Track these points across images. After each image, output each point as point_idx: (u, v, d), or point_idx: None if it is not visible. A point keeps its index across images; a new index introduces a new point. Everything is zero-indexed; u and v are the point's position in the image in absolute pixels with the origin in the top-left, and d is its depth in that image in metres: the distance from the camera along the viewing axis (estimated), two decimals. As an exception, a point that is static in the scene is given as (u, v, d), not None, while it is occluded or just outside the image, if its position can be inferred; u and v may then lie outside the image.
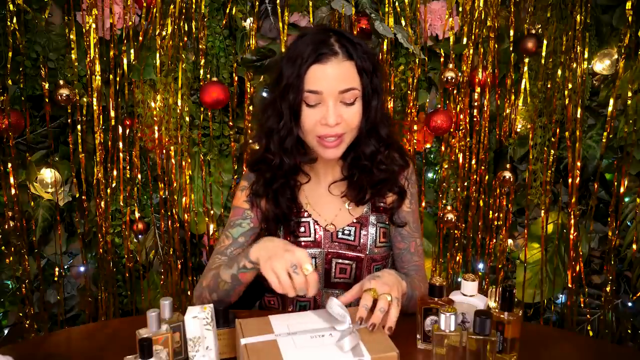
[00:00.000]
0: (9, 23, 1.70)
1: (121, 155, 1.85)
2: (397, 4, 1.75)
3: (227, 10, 1.76)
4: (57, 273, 1.95)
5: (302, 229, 1.21)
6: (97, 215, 1.88)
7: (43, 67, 1.76)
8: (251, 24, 1.77)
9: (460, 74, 1.80)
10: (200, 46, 1.77)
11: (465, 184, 1.91)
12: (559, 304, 2.03)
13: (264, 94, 1.84)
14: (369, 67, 1.10)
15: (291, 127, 1.11)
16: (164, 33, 1.75)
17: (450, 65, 1.78)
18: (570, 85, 1.80)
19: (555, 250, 1.95)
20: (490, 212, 1.93)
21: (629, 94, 1.77)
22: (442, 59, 1.81)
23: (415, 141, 1.86)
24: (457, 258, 1.96)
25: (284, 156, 1.15)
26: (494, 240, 1.95)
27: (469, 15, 1.78)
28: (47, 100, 1.79)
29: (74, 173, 1.88)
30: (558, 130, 1.85)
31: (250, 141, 1.85)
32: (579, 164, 1.84)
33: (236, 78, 1.82)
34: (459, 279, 1.93)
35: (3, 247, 1.86)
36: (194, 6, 1.74)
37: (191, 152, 1.86)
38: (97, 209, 1.88)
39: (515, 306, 0.96)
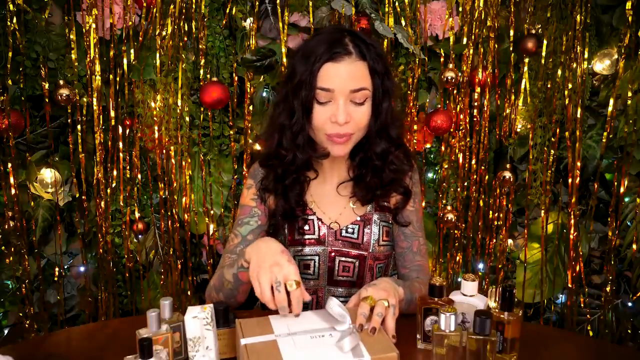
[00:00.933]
0: (9, 23, 1.70)
1: (121, 155, 1.85)
2: (397, 4, 1.75)
3: (227, 10, 1.76)
4: (57, 273, 1.95)
5: (306, 227, 1.22)
6: (97, 215, 1.88)
7: (43, 67, 1.76)
8: (251, 24, 1.77)
9: (460, 74, 1.80)
10: (200, 46, 1.77)
11: (465, 184, 1.91)
12: (559, 304, 2.03)
13: (265, 94, 1.84)
14: (381, 68, 1.11)
15: (303, 123, 1.13)
16: (164, 33, 1.75)
17: (450, 65, 1.78)
18: (570, 85, 1.80)
19: (555, 250, 1.95)
20: (490, 212, 1.93)
21: (629, 94, 1.77)
22: (442, 59, 1.81)
23: (415, 141, 1.86)
24: (457, 258, 1.96)
25: (297, 151, 1.16)
26: (494, 240, 1.95)
27: (469, 15, 1.78)
28: (47, 100, 1.79)
29: (74, 173, 1.88)
30: (558, 130, 1.85)
31: (251, 141, 1.86)
32: (579, 164, 1.84)
33: (236, 78, 1.82)
34: (459, 279, 1.93)
35: (3, 247, 1.86)
36: (194, 6, 1.74)
37: (191, 152, 1.86)
38: (97, 209, 1.87)
39: (515, 306, 0.96)
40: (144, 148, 1.87)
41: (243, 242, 1.22)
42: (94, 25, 1.74)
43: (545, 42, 1.79)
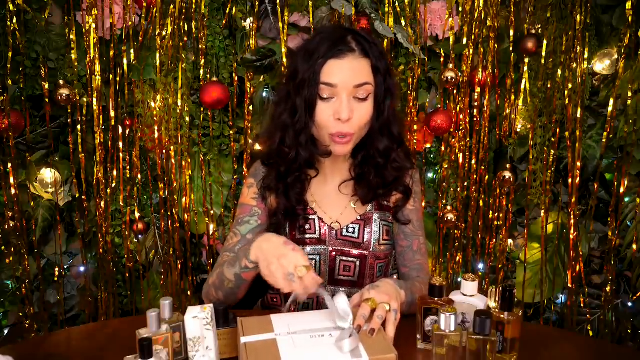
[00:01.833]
0: (9, 23, 1.70)
1: (121, 155, 1.85)
2: (397, 4, 1.75)
3: (227, 10, 1.76)
4: (57, 273, 1.95)
5: (307, 226, 1.23)
6: (97, 215, 1.88)
7: (43, 67, 1.76)
8: (251, 24, 1.77)
9: (460, 74, 1.80)
10: (200, 46, 1.77)
11: (465, 184, 1.91)
12: (559, 304, 2.03)
13: (265, 94, 1.84)
14: (383, 67, 1.13)
15: (306, 121, 1.13)
16: (164, 33, 1.75)
17: (450, 65, 1.78)
18: (570, 85, 1.80)
19: (555, 250, 1.95)
20: (490, 212, 1.93)
21: (629, 94, 1.77)
22: (442, 59, 1.81)
23: (415, 141, 1.86)
24: (457, 258, 1.96)
25: (300, 149, 1.17)
26: (494, 240, 1.95)
27: (469, 15, 1.78)
28: (47, 100, 1.79)
29: (74, 173, 1.88)
30: (558, 130, 1.85)
31: (251, 141, 1.86)
32: (579, 164, 1.84)
33: (236, 78, 1.82)
34: (459, 279, 1.93)
35: (3, 247, 1.86)
36: (194, 6, 1.74)
37: (191, 152, 1.86)
38: (97, 209, 1.87)
39: (515, 306, 0.96)
40: (144, 148, 1.87)
41: (242, 241, 1.22)
42: (94, 25, 1.74)
43: (545, 42, 1.79)
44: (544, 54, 1.79)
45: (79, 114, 1.82)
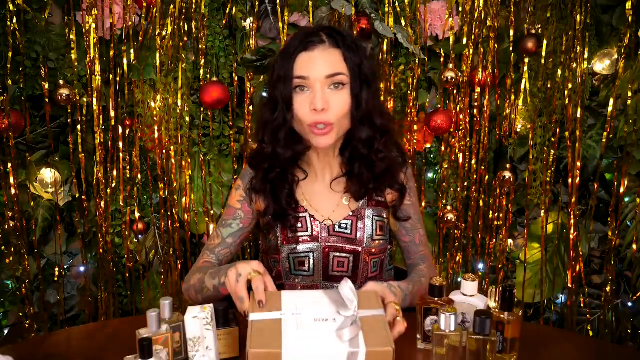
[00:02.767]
0: (9, 23, 1.70)
1: (121, 155, 1.85)
2: (397, 4, 1.75)
3: (227, 10, 1.76)
4: (57, 273, 1.95)
5: (299, 225, 1.23)
6: (97, 215, 1.88)
7: (43, 67, 1.76)
8: (251, 24, 1.77)
9: (460, 74, 1.80)
10: (200, 46, 1.77)
11: (465, 184, 1.91)
12: (559, 304, 2.03)
13: (264, 94, 1.84)
14: (356, 56, 1.13)
15: (284, 116, 1.14)
16: (164, 33, 1.75)
17: (450, 65, 1.78)
18: (570, 85, 1.80)
19: (555, 250, 1.95)
20: (490, 212, 1.93)
21: (629, 94, 1.77)
22: (442, 59, 1.81)
23: (415, 141, 1.86)
24: (457, 258, 1.96)
25: (277, 146, 1.18)
26: (494, 240, 1.95)
27: (469, 15, 1.78)
28: (47, 100, 1.79)
29: (74, 173, 1.88)
30: (558, 130, 1.85)
31: (250, 140, 1.85)
32: (579, 164, 1.85)
33: (236, 78, 1.82)
34: (459, 279, 1.93)
35: (3, 247, 1.86)
36: (194, 6, 1.74)
37: (191, 152, 1.86)
38: (97, 209, 1.88)
39: (515, 306, 0.96)
40: (144, 148, 1.87)
41: (222, 244, 1.26)
42: (94, 25, 1.74)
43: (545, 42, 1.79)
44: (544, 54, 1.79)
45: (79, 114, 1.82)
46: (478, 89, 1.84)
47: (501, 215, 1.93)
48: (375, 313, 0.91)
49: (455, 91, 1.83)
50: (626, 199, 1.87)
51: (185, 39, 1.78)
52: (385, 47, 1.77)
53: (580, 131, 1.83)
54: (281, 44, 1.74)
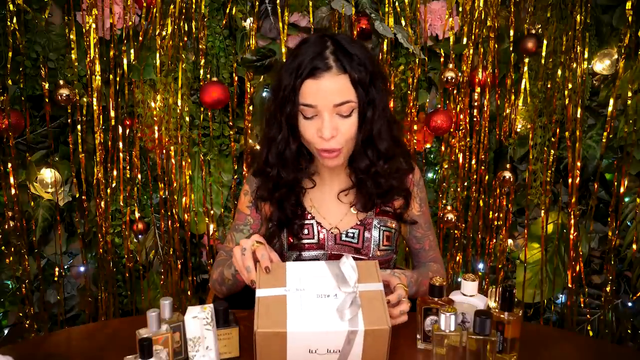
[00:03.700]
0: (9, 23, 1.70)
1: (121, 155, 1.85)
2: (397, 4, 1.75)
3: (227, 10, 1.76)
4: (57, 273, 1.95)
5: (305, 231, 1.22)
6: (97, 215, 1.88)
7: (43, 67, 1.76)
8: (251, 24, 1.77)
9: (460, 74, 1.80)
10: (200, 46, 1.77)
11: (465, 184, 1.91)
12: (559, 304, 2.03)
13: (265, 94, 1.84)
14: (364, 78, 1.08)
15: (289, 140, 1.13)
16: (164, 33, 1.75)
17: (450, 65, 1.78)
18: (570, 85, 1.80)
19: (555, 250, 1.95)
20: (490, 212, 1.93)
21: (629, 94, 1.77)
22: (442, 59, 1.81)
23: (415, 141, 1.86)
24: (457, 258, 1.96)
25: (282, 170, 1.17)
26: (494, 240, 1.95)
27: (469, 15, 1.78)
28: (47, 100, 1.79)
29: (74, 173, 1.88)
30: (558, 130, 1.85)
31: (251, 141, 1.86)
32: (579, 164, 1.85)
33: (236, 78, 1.82)
34: (459, 279, 1.93)
35: (3, 247, 1.86)
36: (194, 6, 1.74)
37: (191, 152, 1.86)
38: (97, 209, 1.88)
39: (515, 306, 0.96)
40: (144, 148, 1.87)
41: None
42: (94, 25, 1.74)
43: (545, 42, 1.79)
44: (544, 54, 1.79)
45: (79, 114, 1.82)
46: (478, 89, 1.84)
47: (501, 215, 1.93)
48: (374, 287, 0.95)
49: (455, 91, 1.83)
50: (626, 199, 1.87)
51: (185, 39, 1.78)
52: (385, 47, 1.77)
53: (580, 131, 1.83)
54: (281, 44, 1.74)
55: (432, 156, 1.96)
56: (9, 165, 1.79)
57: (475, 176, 1.90)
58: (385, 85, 1.15)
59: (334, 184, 1.24)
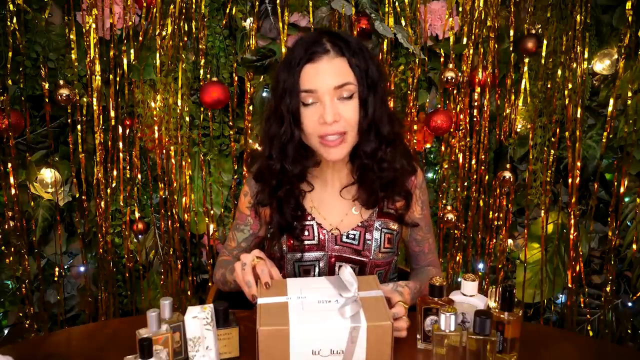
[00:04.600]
0: (9, 23, 1.70)
1: (121, 155, 1.85)
2: (397, 4, 1.75)
3: (227, 10, 1.76)
4: (57, 273, 1.95)
5: (305, 233, 1.21)
6: (97, 215, 1.88)
7: (43, 67, 1.76)
8: (251, 24, 1.77)
9: (460, 74, 1.80)
10: (200, 46, 1.77)
11: (465, 184, 1.91)
12: (559, 304, 2.03)
13: (265, 94, 1.84)
14: (362, 63, 1.09)
15: (292, 131, 1.11)
16: (164, 33, 1.75)
17: (450, 65, 1.78)
18: (570, 85, 1.80)
19: (555, 250, 1.95)
20: (490, 212, 1.93)
21: (629, 94, 1.77)
22: (442, 59, 1.81)
23: (415, 141, 1.86)
24: (457, 258, 1.96)
25: (285, 162, 1.15)
26: (494, 240, 1.95)
27: (469, 15, 1.78)
28: (47, 100, 1.79)
29: (74, 173, 1.88)
30: (558, 130, 1.85)
31: (251, 141, 1.86)
32: (579, 164, 1.84)
33: (236, 78, 1.82)
34: (459, 279, 1.93)
35: (3, 247, 1.86)
36: (194, 6, 1.74)
37: (191, 152, 1.86)
38: (97, 209, 1.88)
39: (515, 306, 0.96)
40: (144, 148, 1.87)
41: (237, 248, 1.30)
42: (94, 25, 1.74)
43: (545, 42, 1.79)
44: (544, 54, 1.79)
45: (79, 114, 1.82)
46: (478, 89, 1.84)
47: (501, 215, 1.93)
48: (374, 294, 0.97)
49: (455, 91, 1.83)
50: (626, 199, 1.87)
51: (185, 39, 1.78)
52: (385, 47, 1.77)
53: (580, 131, 1.83)
54: (281, 44, 1.74)
55: (432, 156, 1.96)
56: (9, 165, 1.79)
57: (475, 176, 1.90)
58: (384, 78, 1.15)
59: (335, 182, 1.23)
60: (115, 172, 1.86)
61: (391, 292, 1.07)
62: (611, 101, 1.80)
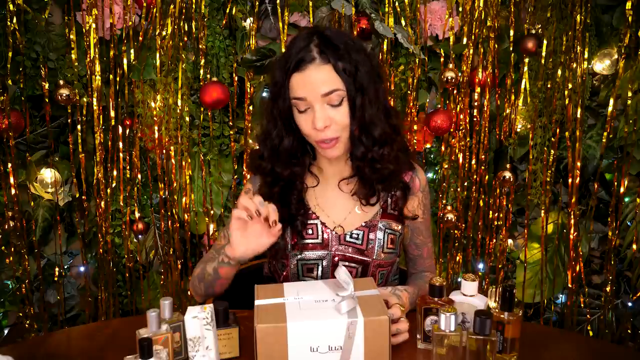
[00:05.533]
0: (9, 23, 1.70)
1: (121, 155, 1.85)
2: (397, 4, 1.75)
3: (227, 10, 1.76)
4: (57, 273, 1.95)
5: (309, 231, 1.22)
6: (97, 215, 1.88)
7: (43, 67, 1.76)
8: (251, 24, 1.77)
9: (460, 74, 1.80)
10: (200, 46, 1.77)
11: (465, 184, 1.91)
12: (559, 304, 2.03)
13: (265, 94, 1.84)
14: (349, 67, 1.09)
15: (283, 135, 1.15)
16: (164, 33, 1.75)
17: (450, 65, 1.78)
18: (570, 85, 1.80)
19: (555, 250, 1.95)
20: (490, 212, 1.93)
21: (629, 94, 1.77)
22: (442, 59, 1.81)
23: (415, 141, 1.86)
24: (457, 258, 1.96)
25: (276, 165, 1.18)
26: (494, 240, 1.95)
27: (469, 15, 1.78)
28: (47, 100, 1.79)
29: (74, 173, 1.88)
30: (558, 130, 1.85)
31: (251, 141, 1.86)
32: (579, 164, 1.84)
33: (236, 78, 1.82)
34: (459, 279, 1.93)
35: (3, 247, 1.86)
36: (194, 6, 1.74)
37: (191, 152, 1.86)
38: (97, 209, 1.88)
39: (515, 306, 0.96)
40: (144, 148, 1.87)
41: None
42: (94, 25, 1.74)
43: (545, 42, 1.79)
44: (544, 54, 1.79)
45: (79, 114, 1.82)
46: (478, 89, 1.84)
47: (501, 215, 1.93)
48: (370, 293, 0.98)
49: (455, 91, 1.83)
50: (626, 199, 1.87)
51: (185, 39, 1.78)
52: (385, 47, 1.77)
53: (580, 131, 1.83)
54: (281, 44, 1.74)
55: (432, 156, 1.96)
56: (9, 165, 1.79)
57: (475, 176, 1.90)
58: (377, 74, 1.16)
59: (335, 176, 1.24)
60: (115, 172, 1.86)
61: (389, 295, 1.08)
62: (611, 101, 1.80)
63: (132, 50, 1.77)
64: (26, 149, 1.83)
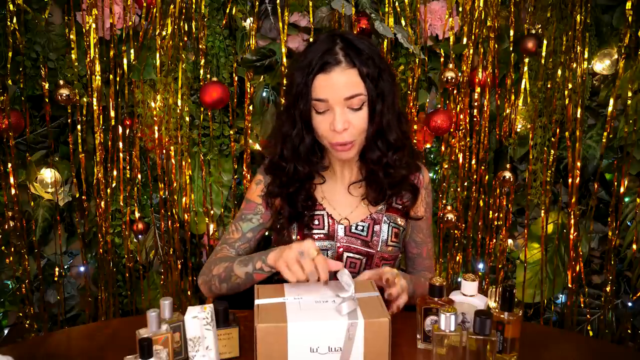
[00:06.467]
0: (9, 23, 1.70)
1: (121, 155, 1.85)
2: (397, 4, 1.75)
3: (227, 10, 1.76)
4: (57, 273, 1.95)
5: (315, 222, 1.24)
6: (97, 215, 1.88)
7: (43, 67, 1.76)
8: (251, 24, 1.77)
9: (460, 74, 1.80)
10: (200, 46, 1.77)
11: (465, 184, 1.91)
12: (559, 304, 2.03)
13: (265, 94, 1.84)
14: (373, 72, 1.12)
15: (303, 134, 1.17)
16: (164, 33, 1.75)
17: (450, 65, 1.78)
18: (570, 85, 1.80)
19: (555, 250, 1.95)
20: (490, 212, 1.93)
21: (629, 94, 1.77)
22: (442, 59, 1.81)
23: (415, 141, 1.86)
24: (457, 258, 1.96)
25: (297, 163, 1.20)
26: (494, 240, 1.95)
27: (469, 15, 1.78)
28: (47, 100, 1.79)
29: (74, 173, 1.88)
30: (558, 130, 1.85)
31: (251, 141, 1.86)
32: (579, 164, 1.84)
33: (236, 78, 1.82)
34: (459, 279, 1.93)
35: (3, 247, 1.86)
36: (194, 6, 1.74)
37: (191, 152, 1.86)
38: (97, 209, 1.88)
39: (515, 306, 0.97)
40: (144, 148, 1.87)
41: (242, 239, 1.27)
42: (94, 25, 1.74)
43: (545, 42, 1.79)
44: (544, 54, 1.79)
45: (79, 114, 1.82)
46: (478, 89, 1.84)
47: (501, 215, 1.93)
48: (370, 295, 0.99)
49: (455, 91, 1.83)
50: (626, 199, 1.87)
51: (185, 39, 1.78)
52: (385, 47, 1.77)
53: (580, 131, 1.83)
54: (281, 44, 1.74)
55: (432, 156, 1.96)
56: (9, 165, 1.79)
57: (475, 176, 1.90)
58: (393, 80, 1.19)
59: (345, 177, 1.27)
60: (115, 172, 1.86)
61: (379, 270, 1.11)
62: (611, 101, 1.80)
63: (132, 50, 1.77)
64: (26, 149, 1.83)
